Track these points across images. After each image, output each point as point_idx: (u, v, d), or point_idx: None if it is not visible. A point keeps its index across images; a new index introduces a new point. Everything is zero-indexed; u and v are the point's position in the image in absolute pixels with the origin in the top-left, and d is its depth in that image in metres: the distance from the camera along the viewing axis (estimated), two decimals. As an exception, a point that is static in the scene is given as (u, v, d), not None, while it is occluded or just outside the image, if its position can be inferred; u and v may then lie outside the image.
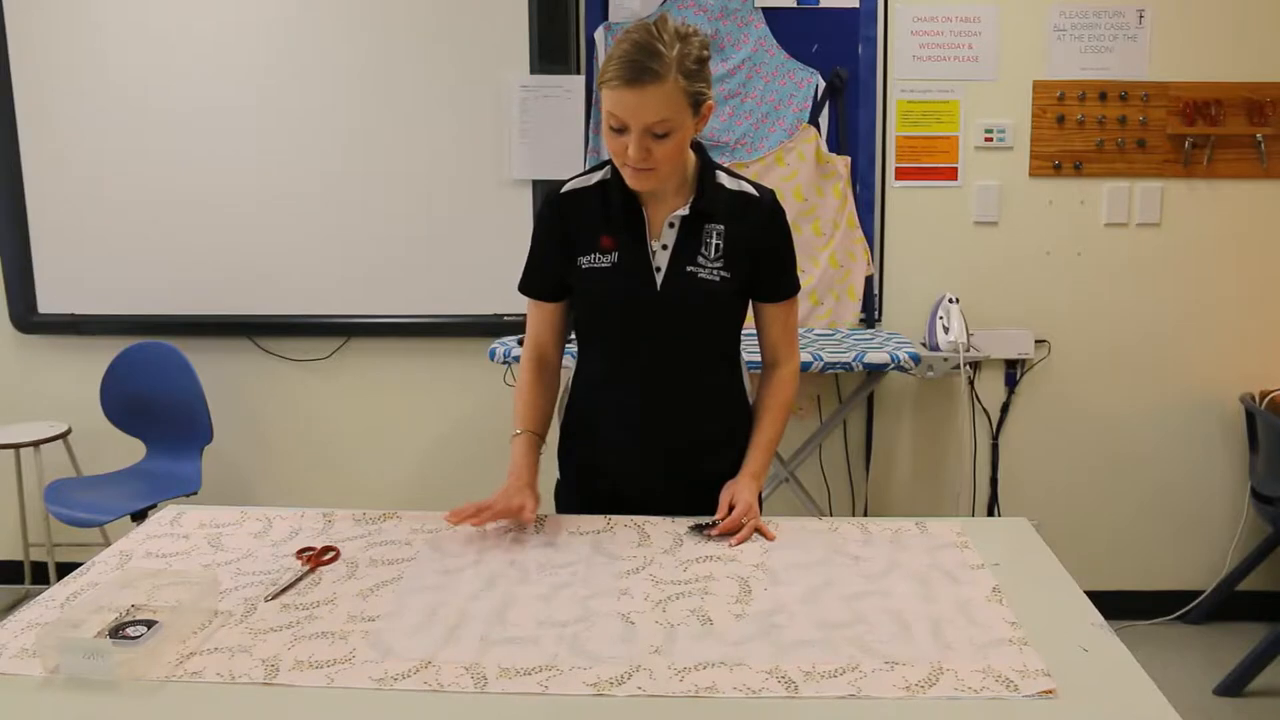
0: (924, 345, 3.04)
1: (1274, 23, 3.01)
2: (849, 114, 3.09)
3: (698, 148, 1.70)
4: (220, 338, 3.27)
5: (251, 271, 3.22)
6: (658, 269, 1.67)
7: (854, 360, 2.71)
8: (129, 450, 3.24)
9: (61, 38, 3.12)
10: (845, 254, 3.12)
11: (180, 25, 3.10)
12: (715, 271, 1.67)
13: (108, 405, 3.20)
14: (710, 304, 1.69)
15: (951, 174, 3.12)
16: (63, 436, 3.17)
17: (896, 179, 3.13)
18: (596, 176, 1.72)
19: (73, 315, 3.27)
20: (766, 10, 3.04)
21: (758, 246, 1.70)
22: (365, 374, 3.31)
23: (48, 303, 3.27)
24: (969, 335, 3.01)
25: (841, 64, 3.06)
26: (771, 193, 1.73)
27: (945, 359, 2.95)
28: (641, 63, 1.49)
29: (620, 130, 1.55)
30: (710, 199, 1.67)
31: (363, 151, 3.15)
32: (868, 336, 3.01)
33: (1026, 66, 3.05)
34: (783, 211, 1.73)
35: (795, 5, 3.04)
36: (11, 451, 3.20)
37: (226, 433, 3.24)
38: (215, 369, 3.22)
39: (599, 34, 3.07)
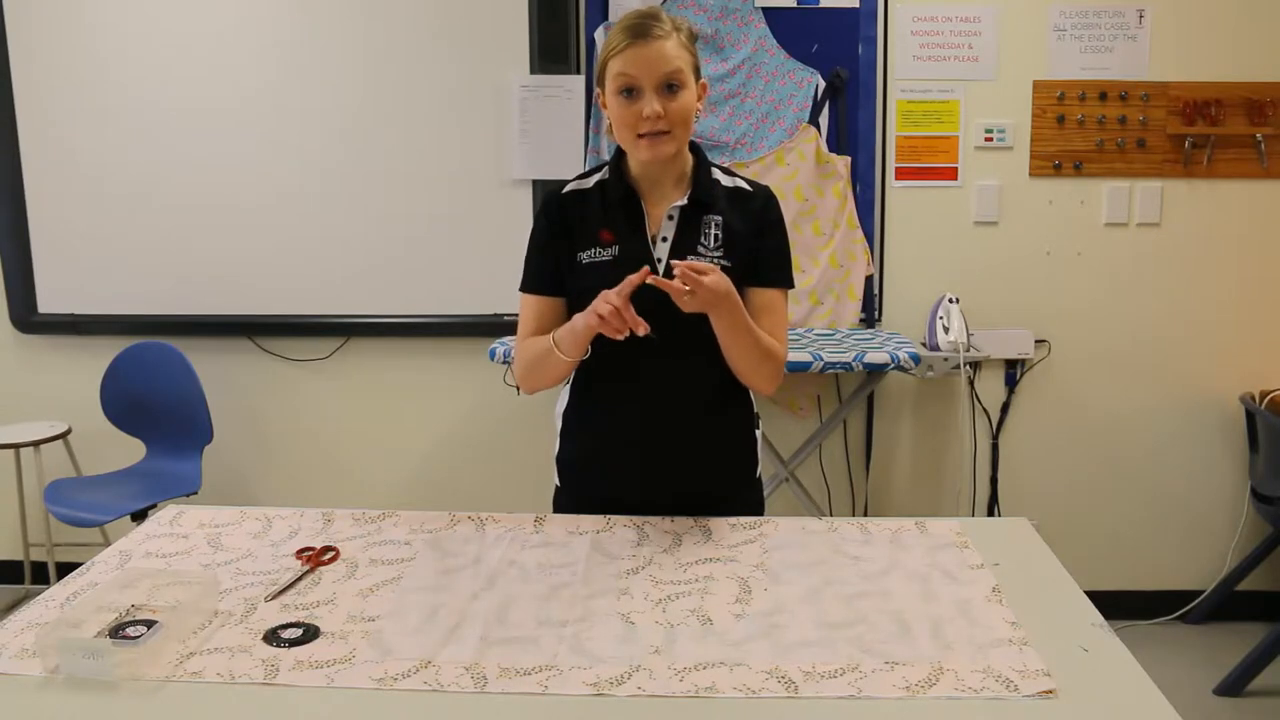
0: (924, 345, 3.04)
1: (1274, 23, 3.01)
2: (849, 114, 3.09)
3: (694, 147, 1.73)
4: (220, 338, 3.27)
5: (251, 271, 3.22)
6: (659, 260, 1.68)
7: (854, 360, 2.71)
8: (129, 450, 3.24)
9: (61, 38, 3.12)
10: (845, 254, 3.12)
11: (180, 26, 3.10)
12: (715, 261, 1.67)
13: (108, 405, 3.20)
14: None
15: (951, 174, 3.12)
16: (63, 436, 3.18)
17: (896, 179, 3.13)
18: (594, 178, 1.75)
19: (73, 315, 3.27)
20: (766, 10, 3.04)
21: (754, 236, 1.71)
22: (365, 374, 3.31)
23: (48, 303, 3.27)
24: (969, 335, 3.01)
25: (841, 64, 3.06)
26: (766, 187, 1.76)
27: (945, 359, 2.95)
28: (646, 23, 1.60)
29: (632, 92, 1.59)
30: (707, 190, 1.70)
31: (363, 151, 3.15)
32: (868, 336, 3.01)
33: (1026, 66, 3.05)
34: (778, 205, 1.75)
35: (795, 5, 3.05)
36: (11, 451, 3.20)
37: (226, 433, 3.24)
38: (215, 369, 3.22)
39: (599, 34, 3.07)
